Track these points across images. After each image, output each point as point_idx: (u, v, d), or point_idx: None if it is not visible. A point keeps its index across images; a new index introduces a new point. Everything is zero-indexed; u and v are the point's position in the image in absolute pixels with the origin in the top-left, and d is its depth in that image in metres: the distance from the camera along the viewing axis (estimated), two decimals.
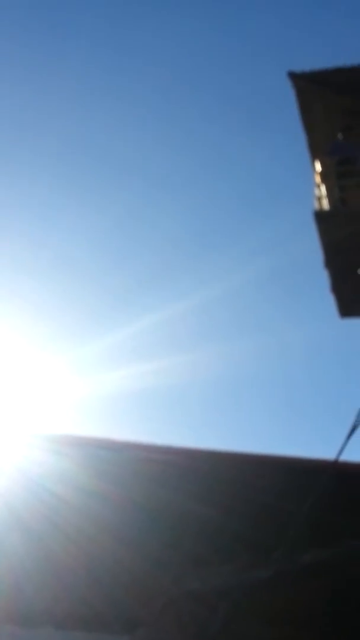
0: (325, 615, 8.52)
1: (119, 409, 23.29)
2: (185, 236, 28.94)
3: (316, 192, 11.68)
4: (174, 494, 8.88)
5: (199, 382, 27.91)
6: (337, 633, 8.64)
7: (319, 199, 11.59)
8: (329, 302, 12.15)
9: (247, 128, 28.08)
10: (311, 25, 27.02)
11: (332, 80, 12.11)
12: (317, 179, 11.80)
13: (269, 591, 8.83)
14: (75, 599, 8.81)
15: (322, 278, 11.83)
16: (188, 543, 9.06)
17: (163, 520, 8.91)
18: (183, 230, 28.49)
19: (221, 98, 28.24)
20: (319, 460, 10.13)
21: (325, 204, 11.61)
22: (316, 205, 11.50)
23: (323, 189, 11.72)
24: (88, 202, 27.52)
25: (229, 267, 26.52)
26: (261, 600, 8.86)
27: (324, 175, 11.78)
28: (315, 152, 12.18)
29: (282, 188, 27.65)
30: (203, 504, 9.12)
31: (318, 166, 11.93)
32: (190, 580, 8.79)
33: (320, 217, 11.22)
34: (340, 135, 12.05)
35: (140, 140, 27.47)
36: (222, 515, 9.88)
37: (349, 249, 11.20)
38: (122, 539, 8.73)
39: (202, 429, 23.78)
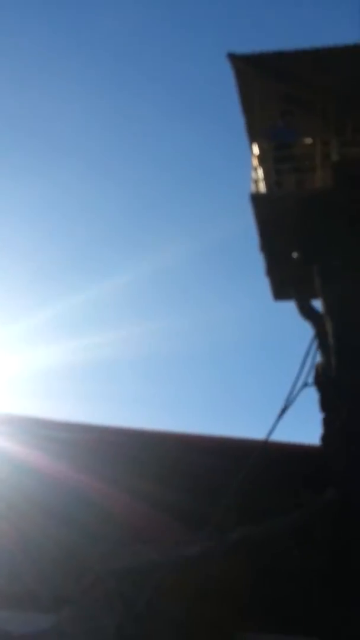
0: (250, 591, 8.69)
1: (49, 385, 23.16)
2: (118, 214, 28.88)
3: (253, 175, 11.72)
4: (104, 472, 8.86)
5: (130, 358, 28.01)
6: (261, 609, 8.84)
7: (256, 182, 11.65)
8: (265, 283, 12.33)
9: (185, 110, 28.14)
10: (253, 10, 27.18)
11: (272, 64, 12.10)
12: (255, 162, 11.84)
13: (196, 568, 8.93)
14: (4, 575, 8.71)
15: (258, 259, 11.96)
16: (117, 521, 9.07)
17: (93, 498, 8.89)
18: (115, 208, 28.44)
19: (160, 80, 28.18)
20: (248, 440, 10.32)
21: (262, 187, 11.70)
22: (253, 188, 11.55)
23: (260, 172, 11.79)
24: (18, 180, 27.02)
25: (161, 246, 26.60)
26: (188, 577, 8.95)
27: (261, 159, 11.84)
28: (253, 135, 12.21)
29: (220, 169, 27.83)
30: (132, 482, 9.15)
31: (256, 149, 11.96)
32: (118, 558, 8.80)
33: (256, 199, 11.29)
34: (280, 121, 12.10)
35: (75, 120, 27.12)
36: (151, 494, 9.93)
37: (284, 232, 11.32)
38: (52, 515, 8.67)
39: (133, 406, 23.86)
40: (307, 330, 11.13)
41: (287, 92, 12.46)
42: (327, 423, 9.96)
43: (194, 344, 29.26)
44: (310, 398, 10.49)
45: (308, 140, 12.11)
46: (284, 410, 10.02)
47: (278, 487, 10.00)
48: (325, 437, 9.86)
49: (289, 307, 11.86)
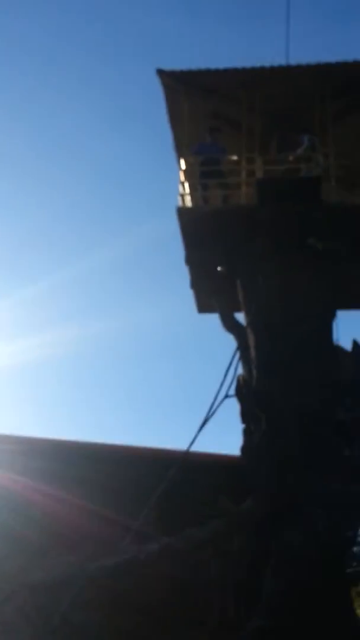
0: (167, 601, 8.72)
1: None
2: (44, 218, 28.81)
3: (180, 189, 11.88)
4: (18, 484, 8.76)
5: (55, 362, 27.84)
6: (177, 619, 8.88)
7: (183, 196, 11.81)
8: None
9: (118, 118, 28.47)
10: (186, 27, 27.80)
11: (200, 81, 12.35)
12: (182, 176, 12.01)
13: (113, 579, 8.91)
14: None
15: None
16: (32, 533, 8.97)
17: (6, 510, 8.76)
18: (42, 212, 28.43)
19: (93, 87, 28.38)
20: (170, 451, 10.40)
21: (188, 201, 11.87)
22: (179, 202, 11.70)
23: (187, 186, 11.96)
24: None
25: (88, 250, 26.69)
26: (105, 589, 8.92)
27: (187, 174, 12.01)
28: (181, 150, 12.39)
29: (149, 175, 28.18)
30: (48, 494, 9.07)
31: (183, 164, 12.13)
32: (34, 571, 8.70)
33: (182, 213, 11.43)
34: (207, 137, 12.32)
35: (4, 124, 27.08)
36: (72, 504, 9.88)
37: (209, 246, 11.50)
38: None
39: (56, 410, 23.67)
40: (231, 340, 11.35)
41: (215, 109, 12.73)
42: (247, 434, 10.11)
43: (120, 348, 29.38)
44: (233, 409, 10.66)
45: (234, 157, 12.35)
46: (205, 422, 10.12)
47: (198, 498, 10.12)
48: (244, 448, 10.00)
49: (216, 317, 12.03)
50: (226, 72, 12.15)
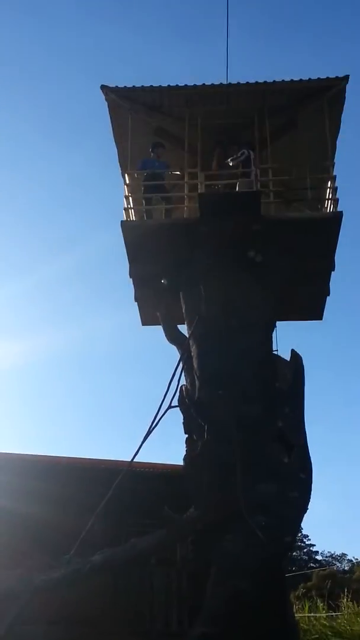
0: (111, 612, 8.80)
1: None
2: None
3: (124, 203, 12.05)
4: None
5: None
6: (121, 629, 8.96)
7: (127, 210, 11.98)
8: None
9: (63, 137, 28.73)
10: (130, 45, 28.42)
11: (143, 98, 12.59)
12: (126, 191, 12.18)
13: (58, 591, 8.95)
14: None
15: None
16: None
17: None
18: None
19: (40, 108, 28.62)
20: (114, 461, 10.49)
21: (132, 216, 12.05)
22: (124, 216, 11.87)
23: (131, 200, 12.14)
24: None
25: (36, 264, 26.73)
26: (50, 601, 8.95)
27: (132, 188, 12.21)
28: (126, 165, 12.59)
29: (96, 188, 28.42)
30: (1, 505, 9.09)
31: (127, 179, 12.32)
32: None
33: (126, 227, 11.60)
34: (151, 153, 12.54)
35: None
36: (18, 516, 9.88)
37: (153, 259, 11.69)
38: None
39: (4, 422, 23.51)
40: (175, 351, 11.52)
41: (159, 126, 12.98)
42: (190, 444, 10.27)
43: (66, 361, 29.44)
44: (177, 419, 10.81)
45: (177, 172, 12.61)
46: (149, 432, 10.23)
47: (142, 508, 10.23)
48: (187, 458, 10.15)
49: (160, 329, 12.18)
50: (169, 89, 12.44)
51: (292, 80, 12.06)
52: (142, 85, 12.51)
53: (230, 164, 11.86)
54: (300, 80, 12.03)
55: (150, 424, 10.26)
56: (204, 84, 12.29)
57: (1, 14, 27.95)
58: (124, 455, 10.39)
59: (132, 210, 12.09)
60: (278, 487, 9.44)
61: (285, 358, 10.64)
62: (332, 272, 11.55)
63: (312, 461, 9.88)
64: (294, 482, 9.58)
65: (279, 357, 10.81)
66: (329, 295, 11.97)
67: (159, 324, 11.91)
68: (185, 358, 10.90)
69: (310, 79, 12.01)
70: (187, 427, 10.43)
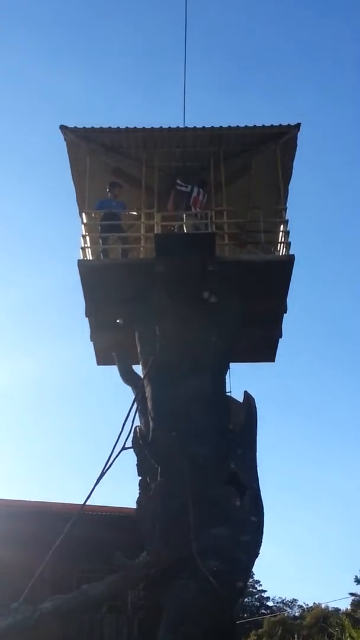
0: None
1: None
2: None
3: (81, 242, 12.10)
4: None
5: None
6: None
7: (84, 249, 12.02)
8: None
9: (21, 175, 28.99)
10: (90, 88, 28.96)
11: (102, 139, 12.74)
12: (83, 230, 12.24)
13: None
14: None
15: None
16: None
17: None
18: None
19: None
20: (65, 505, 10.36)
21: (89, 255, 12.10)
22: (80, 255, 11.91)
23: (88, 239, 12.20)
24: None
25: None
26: None
27: (89, 228, 12.27)
28: (83, 204, 12.67)
29: (56, 222, 28.55)
30: None
31: (84, 218, 12.38)
32: None
33: (83, 266, 11.63)
34: (108, 192, 12.65)
35: None
36: None
37: (109, 298, 11.72)
38: None
39: None
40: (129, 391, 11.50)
41: (116, 166, 13.13)
42: (143, 486, 10.21)
43: (16, 398, 29.08)
44: (131, 460, 10.74)
45: (134, 213, 12.73)
46: (102, 474, 10.13)
47: (94, 553, 10.09)
48: (140, 501, 10.08)
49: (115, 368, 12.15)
50: (127, 131, 12.63)
51: (246, 126, 12.36)
52: (101, 127, 12.68)
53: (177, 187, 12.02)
54: (254, 126, 12.33)
55: (103, 465, 10.16)
56: (161, 127, 12.53)
57: None
58: (76, 498, 10.27)
59: (89, 249, 12.15)
60: (230, 531, 9.42)
61: (238, 399, 10.72)
62: (285, 314, 11.76)
63: (264, 504, 9.93)
64: (246, 525, 9.58)
65: (232, 398, 10.89)
66: (281, 337, 12.15)
67: (114, 364, 11.89)
68: (140, 398, 10.88)
69: (263, 125, 12.32)
70: (141, 469, 10.38)
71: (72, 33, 29.15)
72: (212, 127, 12.40)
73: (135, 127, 12.60)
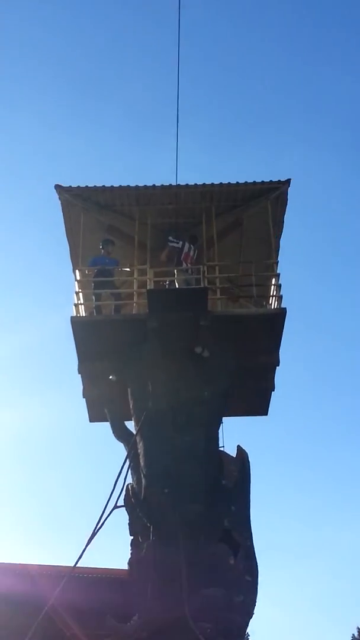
0: None
1: None
2: None
3: (75, 299, 12.15)
4: None
5: None
6: None
7: (77, 305, 12.07)
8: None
9: (17, 230, 29.57)
10: (83, 146, 29.83)
11: (95, 197, 12.97)
12: (76, 286, 12.32)
13: None
14: None
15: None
16: None
17: None
18: None
19: None
20: (56, 567, 10.12)
21: (82, 311, 12.15)
22: (74, 312, 11.95)
23: (81, 296, 12.27)
24: None
25: None
26: None
27: (82, 284, 12.36)
28: (77, 261, 12.81)
29: (46, 285, 28.84)
30: None
31: (78, 275, 12.49)
32: None
33: (76, 323, 11.65)
34: (101, 249, 12.80)
35: None
36: None
37: (102, 355, 11.71)
38: None
39: None
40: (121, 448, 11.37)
41: (110, 224, 13.32)
42: (135, 546, 9.99)
43: (5, 452, 28.71)
44: (123, 519, 10.53)
45: (126, 269, 12.85)
46: (93, 534, 9.94)
47: (85, 615, 9.81)
48: (132, 562, 9.85)
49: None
50: (121, 189, 12.84)
51: (237, 182, 12.56)
52: (95, 185, 12.91)
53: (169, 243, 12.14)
54: (245, 182, 12.54)
55: (95, 525, 9.99)
56: (154, 184, 12.74)
57: None
58: (66, 558, 10.03)
59: (82, 305, 12.21)
60: (223, 591, 9.17)
61: (232, 454, 10.58)
62: (277, 367, 11.70)
63: (258, 562, 9.68)
64: (239, 585, 9.33)
65: (225, 453, 10.75)
66: (274, 390, 12.06)
67: (107, 421, 11.80)
68: (132, 455, 10.75)
69: (254, 182, 12.53)
70: (133, 528, 10.18)
71: (68, 95, 30.16)
72: (204, 184, 12.61)
73: (128, 186, 12.82)
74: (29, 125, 29.51)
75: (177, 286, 11.94)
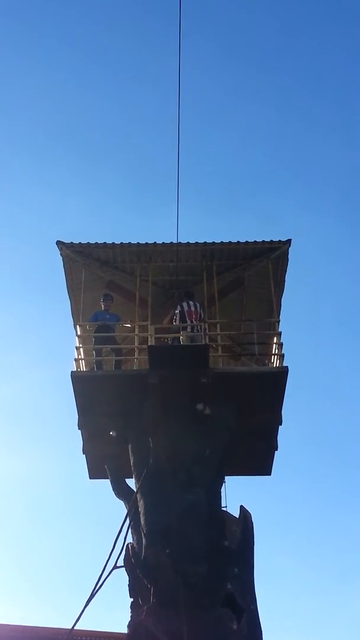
0: None
1: None
2: None
3: (75, 354, 12.14)
4: None
5: None
6: None
7: (77, 360, 12.05)
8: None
9: (17, 288, 29.94)
10: (84, 205, 30.51)
11: (96, 253, 13.13)
12: (77, 342, 12.33)
13: None
14: None
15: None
16: None
17: None
18: None
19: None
20: (53, 629, 9.81)
21: (82, 366, 12.12)
22: (74, 367, 11.92)
23: (82, 351, 12.26)
24: None
25: None
26: None
27: (83, 339, 12.38)
28: (77, 316, 12.85)
29: (44, 340, 28.91)
30: None
31: (79, 330, 12.52)
32: None
33: (76, 378, 11.60)
34: (102, 304, 12.87)
35: None
36: None
37: (102, 411, 11.62)
38: None
39: None
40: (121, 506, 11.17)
41: (111, 280, 13.45)
42: (135, 608, 9.72)
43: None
44: (122, 580, 10.26)
45: (127, 325, 12.90)
46: (92, 595, 9.65)
47: None
48: (132, 625, 9.56)
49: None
50: (122, 246, 13.03)
51: (238, 241, 12.79)
52: (96, 242, 13.08)
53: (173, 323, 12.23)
54: (246, 242, 12.77)
55: (93, 586, 9.71)
56: (155, 242, 12.94)
57: None
58: (63, 621, 9.71)
59: (83, 361, 12.19)
60: None
61: (235, 514, 10.42)
62: (280, 426, 11.66)
63: (263, 628, 9.42)
64: None
65: (228, 513, 10.58)
66: (277, 449, 11.98)
67: (107, 478, 11.62)
68: (132, 514, 10.56)
69: (255, 241, 12.76)
70: (133, 589, 9.90)
71: (69, 155, 30.89)
72: (205, 242, 12.83)
73: (129, 243, 13.02)
74: (30, 187, 30.16)
75: (181, 342, 11.94)
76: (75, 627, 9.34)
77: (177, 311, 12.21)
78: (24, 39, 30.04)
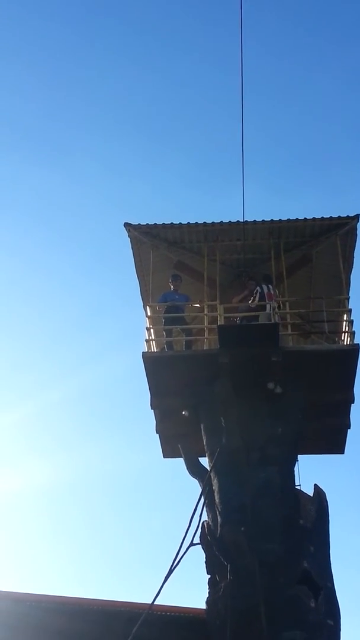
0: None
1: None
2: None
3: (146, 335, 12.33)
4: None
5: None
6: None
7: (148, 341, 12.24)
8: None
9: (89, 270, 30.45)
10: (151, 187, 30.62)
11: (164, 234, 13.21)
12: (148, 322, 12.51)
13: None
14: None
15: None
16: None
17: None
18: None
19: (70, 244, 30.54)
20: (133, 604, 10.11)
21: (153, 347, 12.30)
22: (145, 348, 12.10)
23: (152, 332, 12.44)
24: None
25: (46, 385, 27.22)
26: None
27: (153, 320, 12.54)
28: (147, 298, 13.02)
29: (118, 323, 29.34)
30: None
31: (149, 311, 12.68)
32: None
33: (148, 359, 11.79)
34: (171, 285, 12.97)
35: None
36: None
37: (174, 391, 11.80)
38: None
39: (6, 562, 22.77)
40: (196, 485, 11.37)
41: (179, 260, 13.52)
42: (212, 585, 9.94)
43: (81, 492, 28.84)
44: (199, 557, 10.47)
45: (197, 305, 12.98)
46: (170, 572, 9.90)
47: None
48: (210, 601, 9.79)
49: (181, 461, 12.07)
50: (189, 226, 13.04)
51: (305, 218, 12.62)
52: (163, 223, 13.14)
53: (252, 304, 12.21)
54: (314, 218, 12.59)
55: (171, 563, 9.95)
56: (221, 221, 12.88)
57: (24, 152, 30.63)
58: (143, 598, 9.98)
59: (153, 341, 12.36)
60: (305, 635, 9.01)
61: (309, 493, 10.47)
62: (352, 405, 11.57)
63: (341, 606, 9.50)
64: (321, 628, 9.16)
65: (302, 492, 10.64)
66: (349, 428, 11.92)
67: (180, 457, 11.84)
68: (207, 492, 10.74)
69: (323, 217, 12.57)
70: (210, 566, 10.11)
71: (134, 137, 31.04)
72: (272, 220, 12.70)
73: (196, 222, 13.01)
74: (96, 171, 30.52)
75: (259, 322, 11.94)
76: (155, 603, 9.63)
77: (256, 291, 12.19)
78: (92, 24, 30.19)
